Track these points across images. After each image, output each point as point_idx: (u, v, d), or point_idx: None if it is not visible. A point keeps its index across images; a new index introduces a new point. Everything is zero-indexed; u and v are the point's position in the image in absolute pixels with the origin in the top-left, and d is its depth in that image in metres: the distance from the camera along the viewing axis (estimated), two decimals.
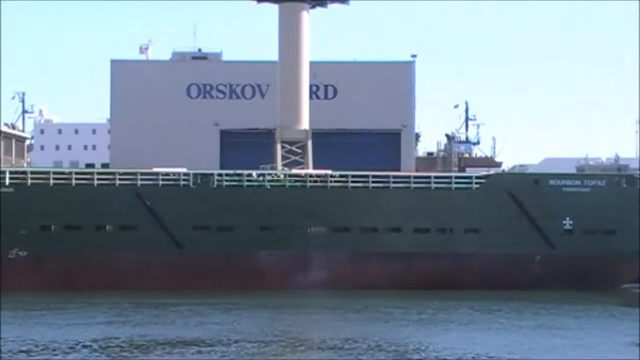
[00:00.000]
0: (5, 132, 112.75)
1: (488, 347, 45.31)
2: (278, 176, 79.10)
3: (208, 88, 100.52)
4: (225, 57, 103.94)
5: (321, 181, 78.02)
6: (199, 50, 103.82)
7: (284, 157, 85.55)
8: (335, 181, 78.00)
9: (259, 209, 75.94)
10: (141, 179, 76.16)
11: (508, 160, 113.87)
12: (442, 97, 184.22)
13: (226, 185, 76.89)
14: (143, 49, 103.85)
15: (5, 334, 48.41)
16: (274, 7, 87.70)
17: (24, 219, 73.62)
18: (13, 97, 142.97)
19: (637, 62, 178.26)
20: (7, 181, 74.68)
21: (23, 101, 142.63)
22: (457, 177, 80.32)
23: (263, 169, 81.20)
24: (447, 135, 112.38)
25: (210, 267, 74.29)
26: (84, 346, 44.71)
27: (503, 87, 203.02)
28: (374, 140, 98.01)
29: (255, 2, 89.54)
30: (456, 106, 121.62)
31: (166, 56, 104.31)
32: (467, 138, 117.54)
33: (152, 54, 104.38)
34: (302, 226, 76.50)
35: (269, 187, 77.52)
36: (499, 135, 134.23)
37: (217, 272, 74.23)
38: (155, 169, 77.43)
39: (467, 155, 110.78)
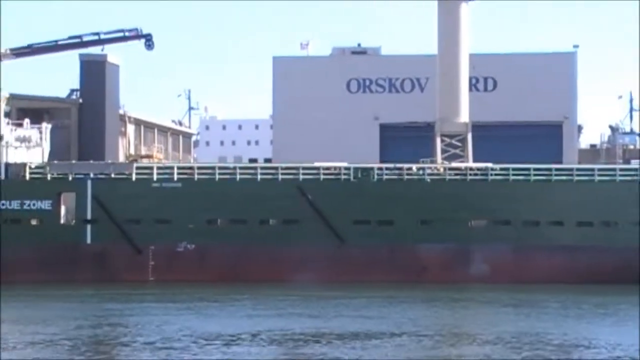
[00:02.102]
0: (173, 129, 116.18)
1: None
2: (438, 169, 79.12)
3: (368, 82, 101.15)
4: (384, 52, 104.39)
5: (482, 174, 77.69)
6: (359, 45, 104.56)
7: (443, 151, 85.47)
8: (496, 174, 77.53)
9: (419, 202, 76.12)
10: (303, 174, 77.35)
11: None
12: (606, 88, 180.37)
13: (386, 179, 77.34)
14: (304, 45, 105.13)
15: (173, 326, 49.96)
16: (433, 1, 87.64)
17: (191, 213, 75.73)
18: (179, 95, 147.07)
19: None
20: (175, 176, 76.98)
21: (189, 98, 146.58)
22: (621, 169, 78.71)
23: (423, 162, 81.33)
24: (610, 127, 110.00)
25: (371, 260, 74.90)
26: (251, 338, 45.78)
27: None
28: (535, 133, 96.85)
29: None
30: (620, 97, 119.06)
31: (326, 52, 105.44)
32: (631, 129, 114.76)
33: (313, 50, 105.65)
34: (463, 219, 76.34)
35: (429, 180, 77.61)
36: None
37: (377, 265, 74.79)
38: (317, 164, 78.47)
39: (632, 146, 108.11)
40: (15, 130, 79.92)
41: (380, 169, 78.16)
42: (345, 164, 78.37)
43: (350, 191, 76.80)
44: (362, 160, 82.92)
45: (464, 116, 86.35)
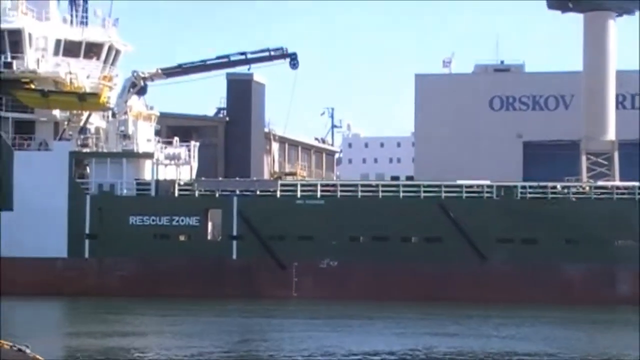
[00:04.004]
0: (316, 147, 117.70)
1: None
2: (583, 188, 77.99)
3: (511, 100, 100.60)
4: (527, 68, 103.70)
5: (629, 193, 76.21)
6: (501, 62, 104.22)
7: (589, 169, 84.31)
8: None
9: (564, 221, 75.09)
10: (445, 191, 77.21)
11: None
12: None
13: (530, 198, 76.57)
14: (446, 63, 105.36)
15: (315, 342, 50.51)
16: (579, 17, 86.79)
17: (334, 230, 76.35)
18: (323, 113, 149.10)
19: None
20: (319, 194, 77.81)
21: (332, 116, 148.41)
22: None
23: (567, 180, 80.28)
24: None
25: (513, 279, 74.19)
26: (390, 357, 45.98)
27: None
28: None
29: (560, 12, 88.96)
30: None
31: (469, 69, 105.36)
32: None
33: (455, 67, 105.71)
34: (609, 239, 74.97)
35: (574, 199, 76.53)
36: None
37: (520, 284, 74.01)
38: (459, 181, 78.28)
39: None
40: (165, 148, 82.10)
41: (523, 187, 77.41)
42: (487, 182, 77.95)
43: (493, 209, 76.29)
44: (504, 178, 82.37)
45: (611, 134, 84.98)
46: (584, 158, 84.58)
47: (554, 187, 77.10)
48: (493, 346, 49.42)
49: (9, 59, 78.04)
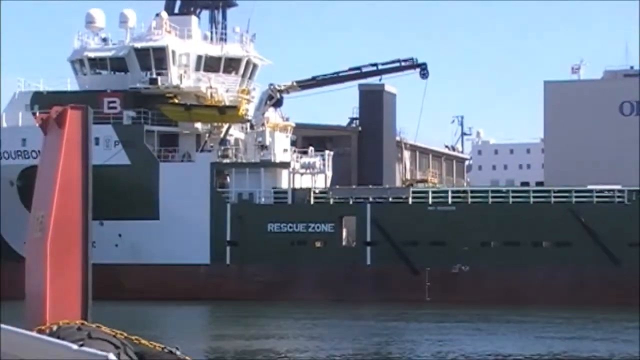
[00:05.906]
0: (446, 154, 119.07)
1: None
2: None
3: None
4: None
5: None
6: (631, 67, 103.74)
7: None
8: None
9: None
10: (575, 196, 77.83)
11: None
12: None
13: None
14: (575, 69, 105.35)
15: (446, 346, 51.87)
16: None
17: (465, 235, 77.71)
18: (452, 121, 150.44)
19: None
20: (450, 200, 79.33)
21: (462, 124, 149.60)
22: None
23: None
24: None
25: None
26: None
27: None
28: None
29: None
30: None
31: (598, 75, 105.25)
32: None
33: (584, 74, 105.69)
34: None
35: None
36: None
37: None
38: (590, 186, 78.79)
39: None
40: (301, 157, 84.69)
41: None
42: (619, 187, 78.20)
43: (625, 213, 76.51)
44: (636, 183, 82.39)
45: None
46: None
47: None
48: (621, 350, 49.97)
49: (154, 76, 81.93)
